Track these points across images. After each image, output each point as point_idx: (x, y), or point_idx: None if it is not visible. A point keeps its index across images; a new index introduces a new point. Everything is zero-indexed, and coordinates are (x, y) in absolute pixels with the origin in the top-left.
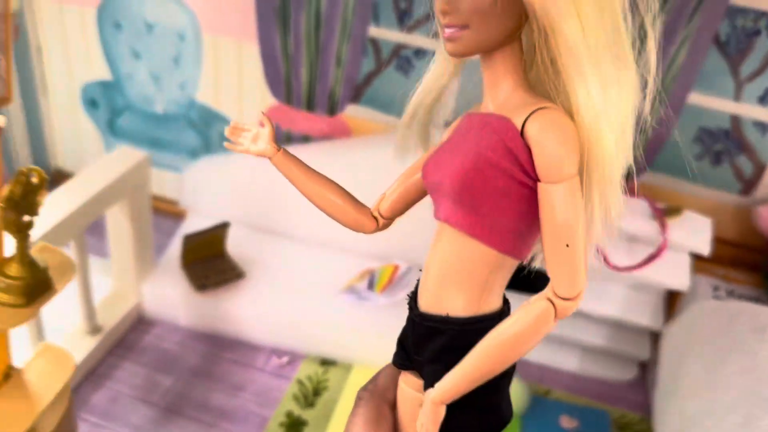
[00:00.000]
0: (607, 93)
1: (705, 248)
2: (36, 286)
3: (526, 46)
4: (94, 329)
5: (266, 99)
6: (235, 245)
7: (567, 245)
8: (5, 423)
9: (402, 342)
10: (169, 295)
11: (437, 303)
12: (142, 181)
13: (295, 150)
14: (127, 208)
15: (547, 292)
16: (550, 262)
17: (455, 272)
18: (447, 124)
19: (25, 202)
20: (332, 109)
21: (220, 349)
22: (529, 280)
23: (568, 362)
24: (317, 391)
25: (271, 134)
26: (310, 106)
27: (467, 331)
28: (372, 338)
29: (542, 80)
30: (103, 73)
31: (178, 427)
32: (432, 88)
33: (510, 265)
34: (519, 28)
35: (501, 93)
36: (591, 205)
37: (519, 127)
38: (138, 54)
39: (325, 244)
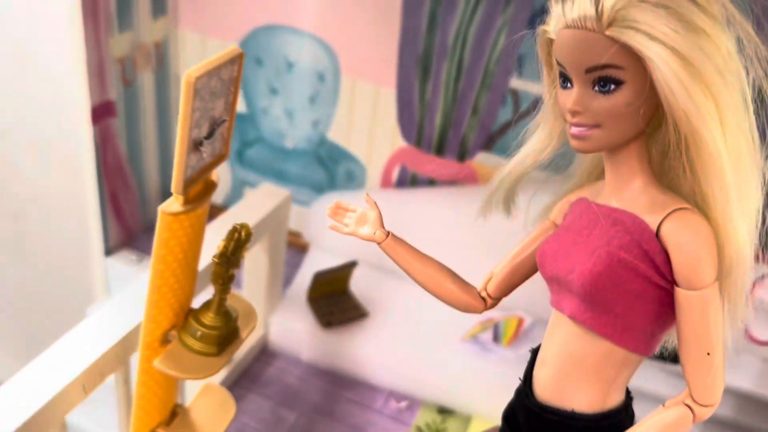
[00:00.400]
0: (742, 197)
1: None
2: (228, 336)
3: (659, 146)
4: None
5: (396, 142)
6: (357, 283)
7: (708, 353)
8: None
9: (508, 419)
10: (294, 329)
11: (560, 397)
12: (283, 218)
13: (421, 193)
14: (267, 243)
15: (684, 397)
16: (690, 368)
17: (581, 368)
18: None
19: (234, 256)
20: (462, 155)
21: (339, 388)
22: None
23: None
24: None
25: (379, 219)
26: (440, 151)
27: (593, 429)
28: (494, 391)
29: (675, 181)
30: (239, 105)
31: None
32: (528, 160)
33: (638, 361)
34: (647, 125)
35: (628, 190)
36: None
37: (654, 227)
38: (275, 90)
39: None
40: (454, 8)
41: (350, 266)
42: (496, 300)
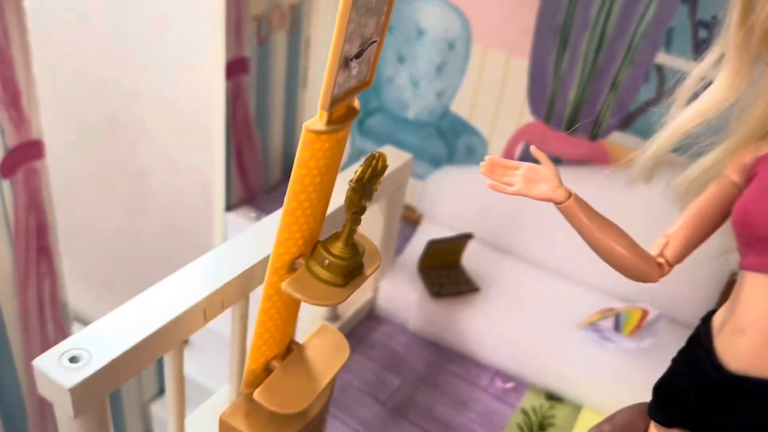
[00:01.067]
0: None
1: None
2: (354, 269)
3: None
4: (334, 316)
5: (524, 116)
6: (469, 258)
7: None
8: (288, 398)
9: (664, 392)
10: (402, 296)
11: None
12: (403, 181)
13: None
14: (385, 204)
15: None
16: None
17: None
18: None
19: (369, 185)
20: (595, 135)
21: (444, 360)
22: None
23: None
24: (542, 426)
25: (557, 175)
26: (570, 128)
27: None
28: (608, 381)
29: None
30: None
31: (401, 431)
32: (703, 112)
33: None
34: None
35: None
36: None
37: None
38: (403, 58)
39: (561, 273)
40: None
41: (465, 238)
42: (673, 266)
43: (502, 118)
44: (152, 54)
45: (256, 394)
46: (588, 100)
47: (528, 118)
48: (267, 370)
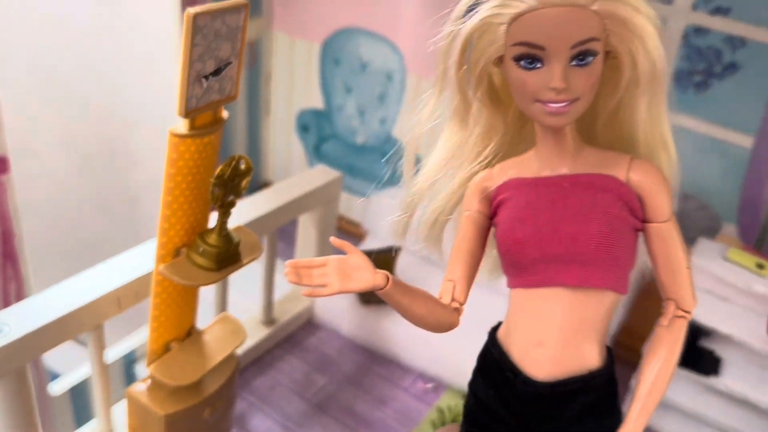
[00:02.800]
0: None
1: None
2: (227, 257)
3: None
4: (269, 321)
5: None
6: (403, 270)
7: (687, 267)
8: (180, 372)
9: (482, 424)
10: (337, 305)
11: (573, 364)
12: (333, 197)
13: None
14: (317, 218)
15: (674, 312)
16: (675, 286)
17: (590, 329)
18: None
19: (232, 183)
20: None
21: (372, 363)
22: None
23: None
24: (454, 422)
25: (369, 262)
26: None
27: (607, 379)
28: None
29: (602, 135)
30: (317, 102)
31: (322, 425)
32: (447, 159)
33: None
34: None
35: (577, 156)
36: None
37: (624, 179)
38: (350, 88)
39: (484, 283)
40: None
41: (393, 250)
42: (464, 305)
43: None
44: (146, 88)
45: (152, 368)
46: None
47: None
48: (166, 350)
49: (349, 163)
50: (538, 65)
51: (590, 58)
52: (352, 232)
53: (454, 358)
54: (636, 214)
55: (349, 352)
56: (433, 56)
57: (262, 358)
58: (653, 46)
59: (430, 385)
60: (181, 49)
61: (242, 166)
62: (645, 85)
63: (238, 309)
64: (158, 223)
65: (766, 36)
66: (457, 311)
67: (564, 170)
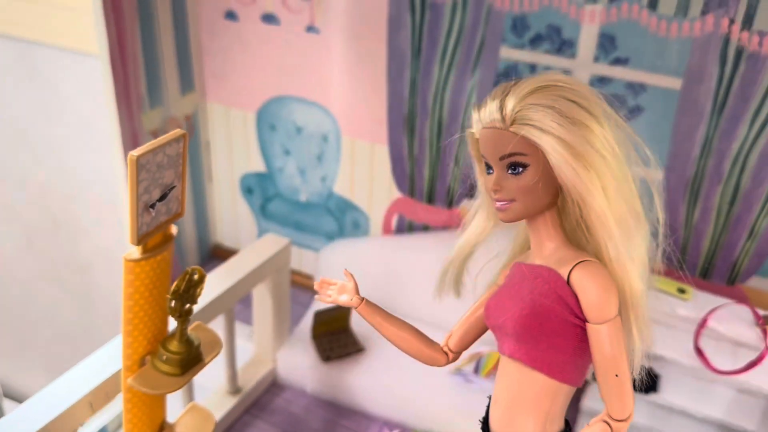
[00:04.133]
0: (631, 245)
1: None
2: (190, 360)
3: (568, 216)
4: (235, 390)
5: (393, 193)
6: (358, 321)
7: (617, 375)
8: None
9: None
10: (299, 364)
11: (510, 430)
12: (284, 263)
13: (416, 238)
14: (270, 285)
15: (603, 416)
16: (604, 390)
17: (523, 402)
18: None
19: (188, 294)
20: (450, 203)
21: (338, 417)
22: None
23: None
24: None
25: (355, 288)
26: (430, 199)
27: None
28: (474, 417)
29: (582, 242)
30: (259, 166)
31: None
32: (470, 242)
33: (568, 391)
34: (556, 198)
35: (546, 249)
36: (631, 338)
37: (565, 277)
38: (288, 151)
39: (440, 326)
40: (429, 75)
41: (346, 306)
42: (457, 354)
43: (376, 195)
44: (85, 162)
45: None
46: (439, 176)
47: (396, 194)
48: None
49: (296, 219)
50: (491, 171)
51: (520, 169)
52: (307, 285)
53: (413, 401)
54: (573, 310)
55: (315, 409)
56: (362, 119)
57: (232, 428)
58: (561, 164)
59: (395, 431)
60: (128, 188)
61: (195, 277)
62: (569, 195)
63: (205, 383)
64: (122, 338)
65: (662, 81)
66: (446, 354)
67: (537, 260)
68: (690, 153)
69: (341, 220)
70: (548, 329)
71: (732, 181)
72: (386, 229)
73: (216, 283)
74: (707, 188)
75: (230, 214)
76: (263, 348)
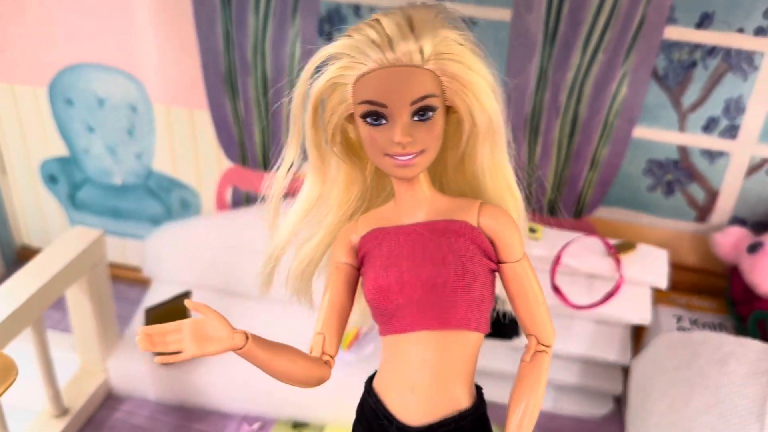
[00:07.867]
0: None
1: (662, 281)
2: None
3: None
4: (62, 411)
5: (222, 163)
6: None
7: (542, 303)
8: None
9: None
10: (135, 370)
11: (444, 406)
12: (99, 258)
13: (256, 210)
14: (86, 285)
15: (537, 347)
16: (536, 321)
17: (458, 370)
18: None
19: None
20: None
21: (190, 421)
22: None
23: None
24: None
25: (226, 321)
26: (266, 165)
27: (478, 418)
28: (342, 397)
29: (453, 183)
30: (59, 149)
31: None
32: (306, 211)
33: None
34: None
35: (429, 204)
36: None
37: (475, 223)
38: (92, 128)
39: (289, 301)
40: (245, 25)
41: (183, 296)
42: (334, 358)
43: (204, 167)
44: None
45: None
46: (273, 140)
47: (226, 163)
48: None
49: (113, 205)
50: (383, 122)
51: (430, 113)
52: (133, 279)
53: (273, 393)
54: (489, 256)
55: (162, 417)
56: (174, 82)
57: None
58: (487, 101)
59: (256, 425)
60: None
61: None
62: (484, 137)
63: (24, 407)
64: None
65: (492, 14)
66: (328, 364)
67: (421, 217)
68: (526, 87)
69: (166, 200)
70: (480, 284)
71: (570, 113)
72: (220, 205)
73: (17, 290)
74: (546, 122)
75: (34, 209)
76: (89, 357)
